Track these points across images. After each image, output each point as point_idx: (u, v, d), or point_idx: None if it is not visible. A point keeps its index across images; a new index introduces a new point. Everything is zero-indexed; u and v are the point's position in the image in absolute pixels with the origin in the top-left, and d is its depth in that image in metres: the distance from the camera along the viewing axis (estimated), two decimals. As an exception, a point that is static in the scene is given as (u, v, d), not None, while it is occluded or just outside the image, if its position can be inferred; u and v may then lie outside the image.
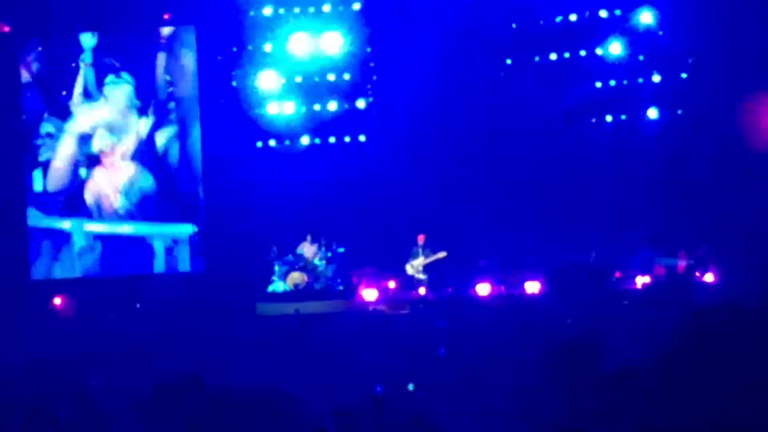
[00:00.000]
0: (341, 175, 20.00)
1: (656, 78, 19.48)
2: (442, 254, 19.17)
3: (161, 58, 20.40)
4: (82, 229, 20.35)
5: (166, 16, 20.35)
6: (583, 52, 19.77)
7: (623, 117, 19.98)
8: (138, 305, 19.22)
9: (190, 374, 4.80)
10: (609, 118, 20.04)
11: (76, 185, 20.39)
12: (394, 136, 19.94)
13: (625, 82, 19.76)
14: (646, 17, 19.18)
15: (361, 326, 16.82)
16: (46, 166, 20.37)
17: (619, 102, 19.91)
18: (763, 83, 17.99)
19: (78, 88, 20.31)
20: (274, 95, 20.34)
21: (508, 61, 20.10)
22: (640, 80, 19.67)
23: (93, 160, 20.37)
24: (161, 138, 20.45)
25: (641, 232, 18.83)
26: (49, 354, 14.01)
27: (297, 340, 15.96)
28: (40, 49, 20.32)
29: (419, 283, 19.10)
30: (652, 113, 19.65)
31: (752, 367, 3.52)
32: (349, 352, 14.39)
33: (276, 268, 19.37)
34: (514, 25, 19.80)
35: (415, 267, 19.29)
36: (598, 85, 19.84)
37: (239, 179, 19.93)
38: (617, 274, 18.45)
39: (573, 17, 19.60)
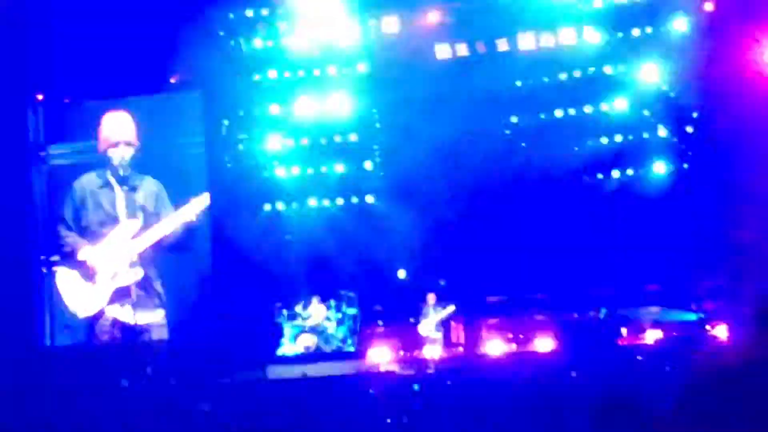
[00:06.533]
0: (350, 235, 19.97)
1: (662, 132, 19.58)
2: (451, 308, 19.11)
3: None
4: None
5: (172, 80, 20.31)
6: (589, 109, 19.89)
7: (629, 172, 20.03)
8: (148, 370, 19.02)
9: None
10: (616, 174, 20.11)
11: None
12: (402, 196, 19.95)
13: (630, 137, 19.86)
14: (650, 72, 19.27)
15: (373, 387, 16.66)
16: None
17: (624, 157, 19.96)
18: None
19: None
20: (281, 158, 20.40)
21: (514, 119, 20.19)
22: (646, 135, 19.76)
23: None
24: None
25: (652, 286, 18.75)
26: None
27: (308, 402, 15.82)
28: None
29: (434, 342, 18.99)
30: (659, 167, 19.73)
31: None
32: (360, 414, 14.25)
33: (285, 330, 19.30)
34: (519, 83, 19.85)
35: (427, 327, 19.21)
36: (604, 141, 19.97)
37: (246, 242, 19.85)
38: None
39: (577, 74, 19.67)
